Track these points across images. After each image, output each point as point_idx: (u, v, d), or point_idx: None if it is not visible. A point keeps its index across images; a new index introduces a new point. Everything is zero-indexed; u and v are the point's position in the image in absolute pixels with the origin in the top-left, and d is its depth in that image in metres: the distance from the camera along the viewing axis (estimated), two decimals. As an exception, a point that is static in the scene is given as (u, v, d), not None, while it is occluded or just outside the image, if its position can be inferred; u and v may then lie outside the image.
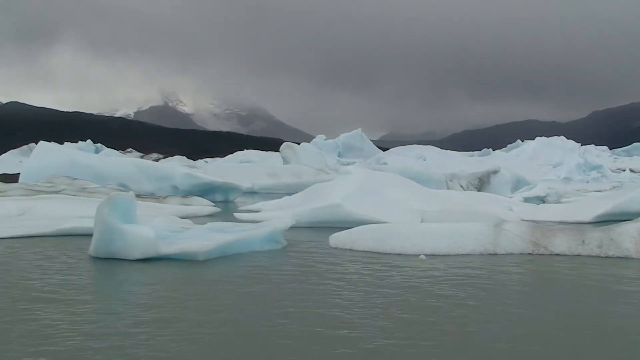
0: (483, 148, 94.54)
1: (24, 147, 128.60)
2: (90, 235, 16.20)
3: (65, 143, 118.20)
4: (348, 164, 73.43)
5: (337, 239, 14.83)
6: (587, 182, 57.76)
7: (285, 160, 72.21)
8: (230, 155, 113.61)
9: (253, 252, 13.70)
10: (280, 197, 36.16)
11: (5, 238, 15.79)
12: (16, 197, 24.26)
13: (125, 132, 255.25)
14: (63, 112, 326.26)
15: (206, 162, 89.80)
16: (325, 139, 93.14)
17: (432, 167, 59.38)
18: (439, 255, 13.54)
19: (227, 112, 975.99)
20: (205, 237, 13.09)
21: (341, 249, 14.43)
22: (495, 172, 36.20)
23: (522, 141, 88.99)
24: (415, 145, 78.42)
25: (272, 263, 12.70)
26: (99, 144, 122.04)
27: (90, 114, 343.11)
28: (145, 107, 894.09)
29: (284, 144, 78.76)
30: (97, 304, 9.20)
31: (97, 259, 12.70)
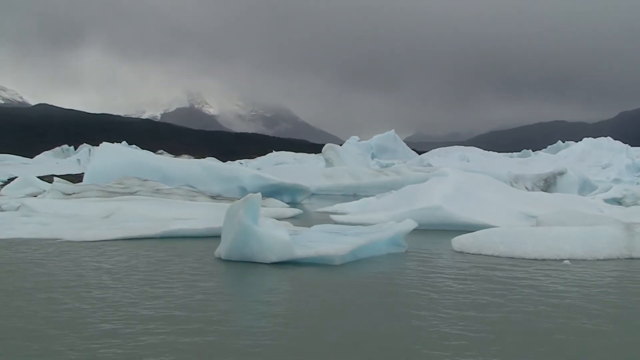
0: (509, 149, 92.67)
1: (57, 148, 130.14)
2: (194, 237, 16.04)
3: (101, 144, 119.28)
4: (387, 165, 72.81)
5: (461, 242, 14.24)
6: (638, 183, 56.34)
7: (328, 162, 71.73)
8: (263, 157, 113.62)
9: (380, 256, 13.21)
10: (337, 199, 35.80)
11: (112, 240, 15.48)
12: (95, 199, 24.14)
13: (152, 134, 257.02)
14: (91, 113, 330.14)
15: (241, 163, 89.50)
16: (358, 140, 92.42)
17: (476, 168, 58.36)
18: (576, 260, 12.90)
19: (252, 113, 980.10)
20: (336, 241, 12.60)
21: (468, 253, 13.84)
22: (561, 173, 35.28)
23: (563, 142, 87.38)
24: (457, 147, 77.46)
25: (407, 268, 12.15)
26: (133, 145, 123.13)
27: (118, 116, 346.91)
28: (172, 109, 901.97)
29: (326, 145, 78.23)
30: (245, 308, 8.74)
31: (229, 262, 12.27)
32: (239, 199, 25.56)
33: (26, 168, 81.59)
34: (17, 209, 22.64)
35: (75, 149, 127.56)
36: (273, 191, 29.75)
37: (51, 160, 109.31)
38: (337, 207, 24.83)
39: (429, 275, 11.28)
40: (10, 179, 56.84)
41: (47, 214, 19.63)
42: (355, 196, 39.00)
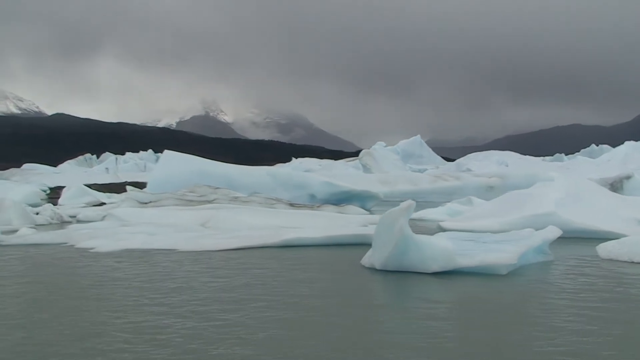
0: (530, 154, 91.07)
1: (80, 157, 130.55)
2: (309, 246, 15.58)
3: (127, 153, 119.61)
4: (419, 171, 72.11)
5: (608, 250, 13.64)
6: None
7: (366, 167, 71.24)
8: (286, 164, 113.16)
9: (534, 265, 12.65)
10: (395, 205, 35.18)
11: (233, 249, 15.05)
12: (178, 207, 23.80)
13: (169, 142, 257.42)
14: (108, 122, 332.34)
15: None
16: (385, 146, 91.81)
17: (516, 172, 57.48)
18: None
19: (267, 120, 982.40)
20: (492, 249, 12.05)
21: (617, 260, 13.23)
22: (628, 177, 34.54)
23: (597, 145, 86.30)
24: (494, 151, 76.58)
25: (571, 278, 11.53)
26: (159, 154, 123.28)
27: (134, 124, 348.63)
28: (187, 117, 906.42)
29: (363, 150, 77.75)
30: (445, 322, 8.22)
31: (387, 272, 11.75)
32: (318, 206, 25.13)
33: (58, 177, 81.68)
34: (103, 218, 22.36)
35: (97, 158, 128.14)
36: (343, 198, 29.33)
37: (77, 169, 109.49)
38: (422, 213, 24.28)
39: (600, 285, 10.69)
40: (52, 189, 56.99)
41: (147, 224, 19.27)
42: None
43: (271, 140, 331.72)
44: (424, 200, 38.59)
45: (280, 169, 34.84)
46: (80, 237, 17.01)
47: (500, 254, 11.60)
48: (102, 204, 35.41)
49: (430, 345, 7.06)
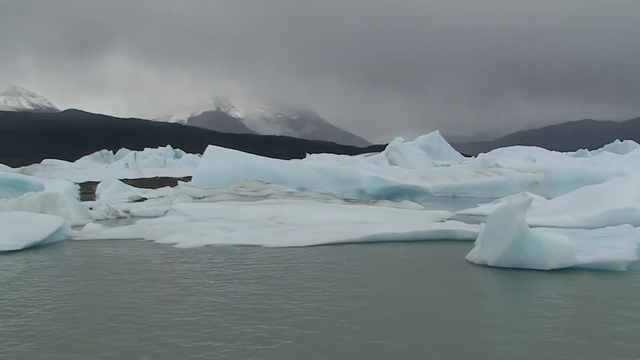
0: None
1: (97, 153, 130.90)
2: (395, 242, 15.30)
3: (145, 149, 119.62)
4: (443, 166, 71.63)
5: None
6: None
7: (392, 163, 70.95)
8: (302, 160, 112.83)
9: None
10: (436, 200, 34.90)
11: (318, 245, 14.82)
12: (233, 202, 23.63)
13: (181, 138, 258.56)
14: (120, 118, 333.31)
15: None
16: (403, 142, 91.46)
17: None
18: None
19: (277, 116, 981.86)
20: (609, 245, 11.75)
21: None
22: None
23: (621, 141, 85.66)
24: (520, 147, 76.02)
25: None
26: (177, 149, 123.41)
27: (146, 120, 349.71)
28: (198, 113, 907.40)
29: (389, 145, 77.43)
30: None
31: (501, 269, 11.46)
32: (373, 201, 24.86)
33: (81, 173, 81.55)
34: (165, 213, 22.20)
35: (114, 153, 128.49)
36: (392, 193, 29.01)
37: (97, 165, 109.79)
38: (482, 209, 23.94)
39: None
40: (81, 184, 56.94)
41: (216, 219, 19.07)
42: (454, 197, 38.14)
43: (282, 136, 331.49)
44: (465, 196, 38.27)
45: (326, 163, 34.55)
46: (156, 232, 16.83)
47: (620, 250, 11.30)
48: (143, 199, 35.31)
49: (567, 343, 6.81)
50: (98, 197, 37.27)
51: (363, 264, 12.25)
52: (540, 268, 11.22)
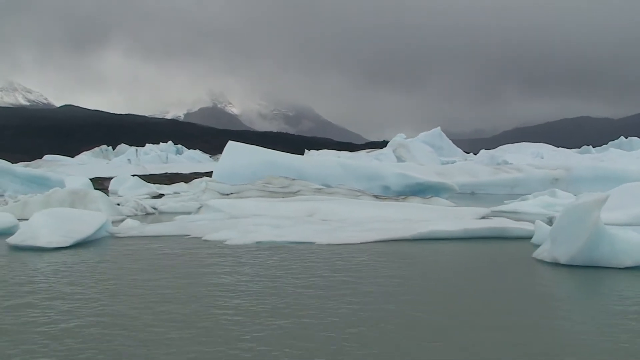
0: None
1: (96, 149, 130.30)
2: (446, 239, 15.13)
3: (146, 145, 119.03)
4: (448, 162, 71.61)
5: None
6: None
7: (399, 158, 70.81)
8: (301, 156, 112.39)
9: None
10: (464, 197, 34.69)
11: (372, 242, 14.65)
12: (266, 199, 23.41)
13: (178, 134, 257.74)
14: (117, 114, 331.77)
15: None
16: (405, 138, 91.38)
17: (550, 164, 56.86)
18: None
19: (274, 112, 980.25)
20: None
21: None
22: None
23: (626, 138, 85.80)
24: (527, 143, 75.99)
25: None
26: (179, 145, 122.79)
27: (143, 116, 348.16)
28: (195, 109, 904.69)
29: (395, 141, 77.29)
30: None
31: (575, 267, 11.29)
32: (403, 198, 24.68)
33: (85, 169, 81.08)
34: (198, 209, 21.98)
35: (113, 149, 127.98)
36: (417, 190, 28.90)
37: (98, 161, 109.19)
38: (514, 206, 23.80)
39: None
40: (92, 180, 56.54)
41: (256, 216, 18.87)
42: (473, 194, 38.01)
43: (279, 132, 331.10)
44: (484, 193, 38.17)
45: (351, 160, 34.36)
46: (200, 229, 16.62)
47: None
48: (161, 195, 35.06)
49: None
50: (113, 194, 36.99)
51: (427, 263, 12.09)
52: (615, 266, 11.06)
